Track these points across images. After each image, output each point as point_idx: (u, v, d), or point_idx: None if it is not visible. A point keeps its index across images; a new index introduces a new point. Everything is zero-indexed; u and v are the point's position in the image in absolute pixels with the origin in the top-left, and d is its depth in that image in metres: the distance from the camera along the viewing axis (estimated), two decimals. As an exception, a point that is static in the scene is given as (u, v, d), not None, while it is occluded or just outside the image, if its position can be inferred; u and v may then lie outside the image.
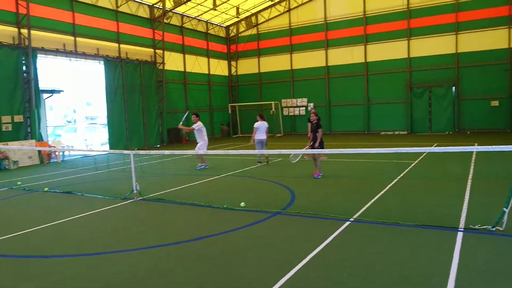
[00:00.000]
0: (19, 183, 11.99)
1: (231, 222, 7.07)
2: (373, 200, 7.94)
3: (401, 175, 10.67)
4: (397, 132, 26.25)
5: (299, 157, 10.29)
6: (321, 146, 10.99)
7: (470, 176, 9.92)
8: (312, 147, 10.86)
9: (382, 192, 8.59)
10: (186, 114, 15.17)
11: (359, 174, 11.11)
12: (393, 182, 9.65)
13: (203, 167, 13.46)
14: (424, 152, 14.99)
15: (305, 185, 10.13)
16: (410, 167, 11.92)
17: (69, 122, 62.73)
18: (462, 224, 6.11)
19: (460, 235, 5.69)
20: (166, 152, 8.82)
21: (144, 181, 10.87)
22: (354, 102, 27.09)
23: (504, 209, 5.66)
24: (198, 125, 13.25)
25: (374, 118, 27.13)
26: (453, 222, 6.22)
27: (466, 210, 6.91)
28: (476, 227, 5.89)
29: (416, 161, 12.85)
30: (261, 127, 13.91)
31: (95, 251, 5.80)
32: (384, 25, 26.30)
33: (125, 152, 9.51)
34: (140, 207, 8.56)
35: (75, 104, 61.72)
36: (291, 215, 7.22)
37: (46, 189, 10.78)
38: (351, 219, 6.72)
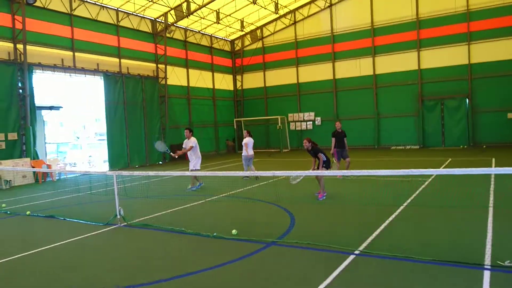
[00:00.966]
0: (3, 205, 11.27)
1: (219, 254, 6.18)
2: (382, 227, 6.98)
3: (413, 196, 9.66)
4: (408, 147, 25.16)
5: (300, 179, 9.46)
6: (327, 165, 10.09)
7: (491, 200, 8.88)
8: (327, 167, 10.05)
9: (392, 217, 7.62)
10: (162, 144, 12.73)
11: (367, 195, 10.11)
12: (404, 204, 8.65)
13: (196, 188, 12.38)
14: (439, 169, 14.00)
15: (307, 207, 9.19)
16: (423, 186, 10.90)
17: (78, 138, 62.67)
18: (488, 260, 5.13)
19: (487, 274, 4.72)
20: (151, 173, 8.00)
21: (130, 203, 10.07)
22: (363, 116, 26.13)
23: (542, 244, 4.69)
24: (195, 141, 12.35)
25: (384, 132, 26.11)
26: (477, 257, 5.24)
27: (491, 242, 5.91)
28: (506, 263, 4.92)
29: (430, 179, 11.82)
30: (250, 143, 14.39)
31: (52, 293, 4.95)
32: (393, 36, 25.49)
33: (108, 173, 8.71)
34: (121, 235, 7.71)
35: (84, 120, 61.68)
36: (288, 246, 6.31)
37: (28, 212, 10.02)
38: (356, 252, 5.78)
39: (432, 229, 6.98)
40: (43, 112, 20.79)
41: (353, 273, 5.08)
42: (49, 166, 17.50)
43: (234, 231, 7.09)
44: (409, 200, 9.13)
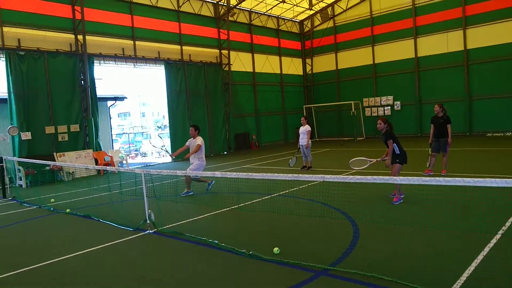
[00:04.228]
0: (52, 200, 10.86)
1: (251, 284, 4.63)
2: (482, 255, 4.87)
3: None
4: (509, 133, 21.34)
5: (367, 165, 7.69)
6: (402, 160, 8.01)
7: None
8: (399, 161, 8.02)
9: (494, 241, 5.36)
10: (162, 147, 11.18)
11: (456, 200, 7.78)
12: (509, 222, 6.15)
13: (190, 193, 10.43)
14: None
15: (376, 215, 7.20)
16: None
17: (159, 127, 65.30)
18: None
19: None
20: (179, 172, 6.68)
21: (164, 205, 8.85)
22: (451, 99, 22.63)
23: None
24: (200, 142, 10.33)
25: (478, 117, 22.45)
26: None
27: None
28: None
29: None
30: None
31: None
32: (489, 3, 21.58)
33: (136, 171, 7.56)
34: (147, 245, 6.51)
35: (163, 110, 63.65)
36: (345, 279, 4.54)
37: (68, 210, 9.37)
38: (446, 299, 3.85)
39: None
40: (108, 103, 20.87)
41: None
42: (111, 158, 17.29)
43: (276, 250, 5.49)
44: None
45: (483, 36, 21.88)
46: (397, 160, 7.93)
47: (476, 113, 22.49)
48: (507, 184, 3.43)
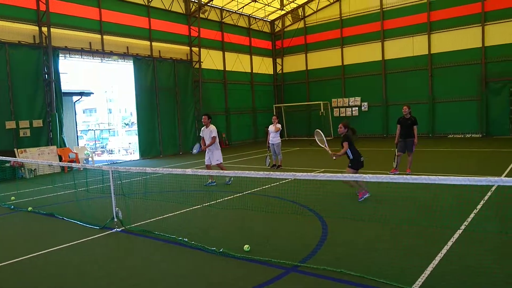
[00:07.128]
0: (12, 198, 10.41)
1: (220, 283, 4.61)
2: (446, 249, 5.07)
3: (483, 201, 7.54)
4: (469, 135, 22.28)
5: (323, 147, 7.97)
6: (354, 165, 8.16)
7: None
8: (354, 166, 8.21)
9: (456, 236, 5.63)
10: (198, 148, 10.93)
11: (421, 197, 8.08)
12: (470, 218, 6.52)
13: (214, 183, 10.89)
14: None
15: (344, 212, 7.37)
16: (493, 189, 8.57)
17: (126, 124, 63.86)
18: None
19: None
20: (148, 170, 6.58)
21: (133, 202, 8.65)
22: (415, 101, 23.33)
23: None
24: (215, 130, 10.73)
25: (440, 119, 23.31)
26: None
27: None
28: None
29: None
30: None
31: None
32: (452, 10, 22.44)
33: (104, 168, 7.38)
34: (115, 243, 6.37)
35: (131, 107, 62.24)
36: (314, 275, 4.60)
37: (29, 208, 9.02)
38: (411, 293, 3.98)
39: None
40: (74, 98, 20.23)
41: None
42: (76, 155, 16.77)
43: (246, 247, 5.50)
44: (479, 206, 7.06)
45: (446, 41, 22.73)
46: (350, 164, 8.15)
47: (439, 115, 23.34)
48: (469, 182, 3.59)
